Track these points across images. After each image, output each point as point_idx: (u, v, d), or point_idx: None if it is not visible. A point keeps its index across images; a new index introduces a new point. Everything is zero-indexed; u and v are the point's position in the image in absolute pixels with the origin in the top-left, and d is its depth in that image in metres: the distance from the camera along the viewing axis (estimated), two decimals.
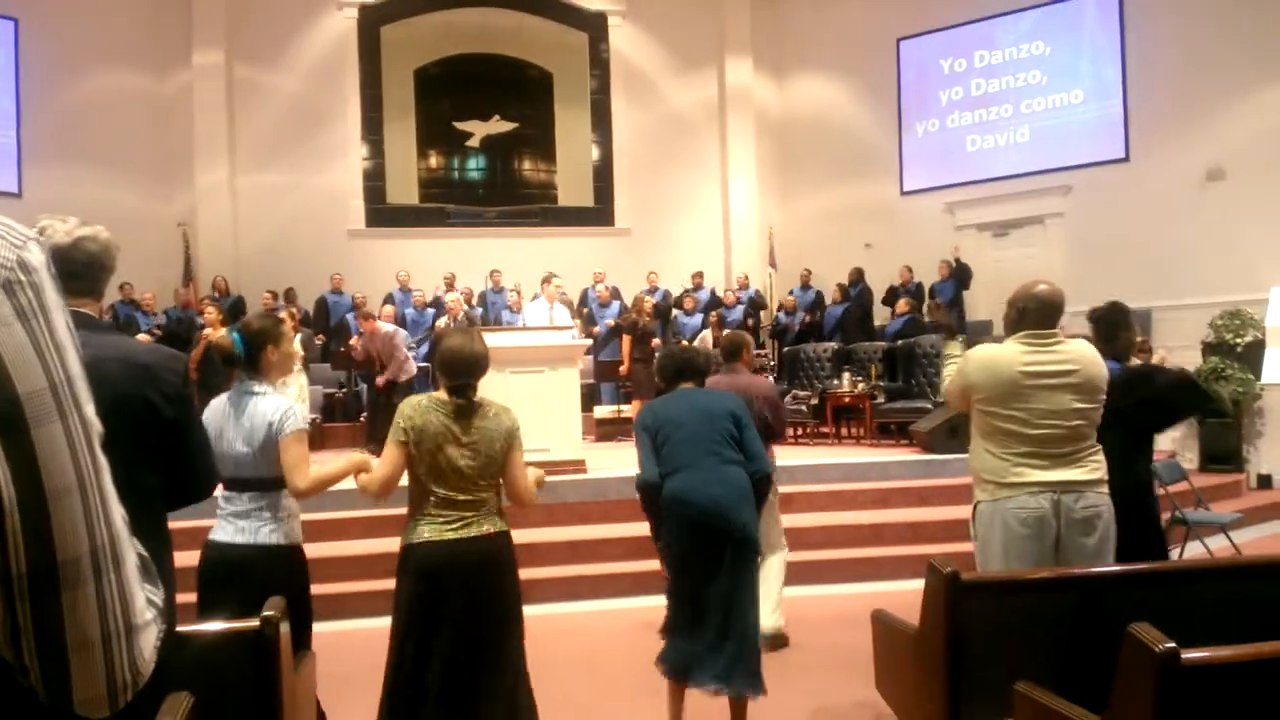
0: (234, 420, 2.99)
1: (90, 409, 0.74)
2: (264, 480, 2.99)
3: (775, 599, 5.06)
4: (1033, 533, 3.21)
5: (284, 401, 3.03)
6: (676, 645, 3.49)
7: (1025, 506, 3.22)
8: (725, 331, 5.71)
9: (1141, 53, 12.32)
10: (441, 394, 3.07)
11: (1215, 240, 11.32)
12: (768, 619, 5.04)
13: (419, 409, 3.03)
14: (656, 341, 10.32)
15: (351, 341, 10.39)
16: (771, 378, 10.74)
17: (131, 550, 0.76)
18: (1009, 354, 3.33)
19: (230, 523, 3.00)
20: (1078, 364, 3.30)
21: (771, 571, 5.10)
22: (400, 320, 11.34)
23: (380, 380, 9.53)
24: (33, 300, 0.70)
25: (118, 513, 0.75)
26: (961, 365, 3.45)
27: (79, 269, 1.99)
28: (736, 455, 3.51)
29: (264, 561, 2.93)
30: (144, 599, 0.77)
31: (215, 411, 3.03)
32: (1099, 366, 3.38)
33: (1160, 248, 11.68)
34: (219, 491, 3.02)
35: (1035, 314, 3.37)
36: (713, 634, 3.40)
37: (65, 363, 0.71)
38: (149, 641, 0.76)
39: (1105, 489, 3.31)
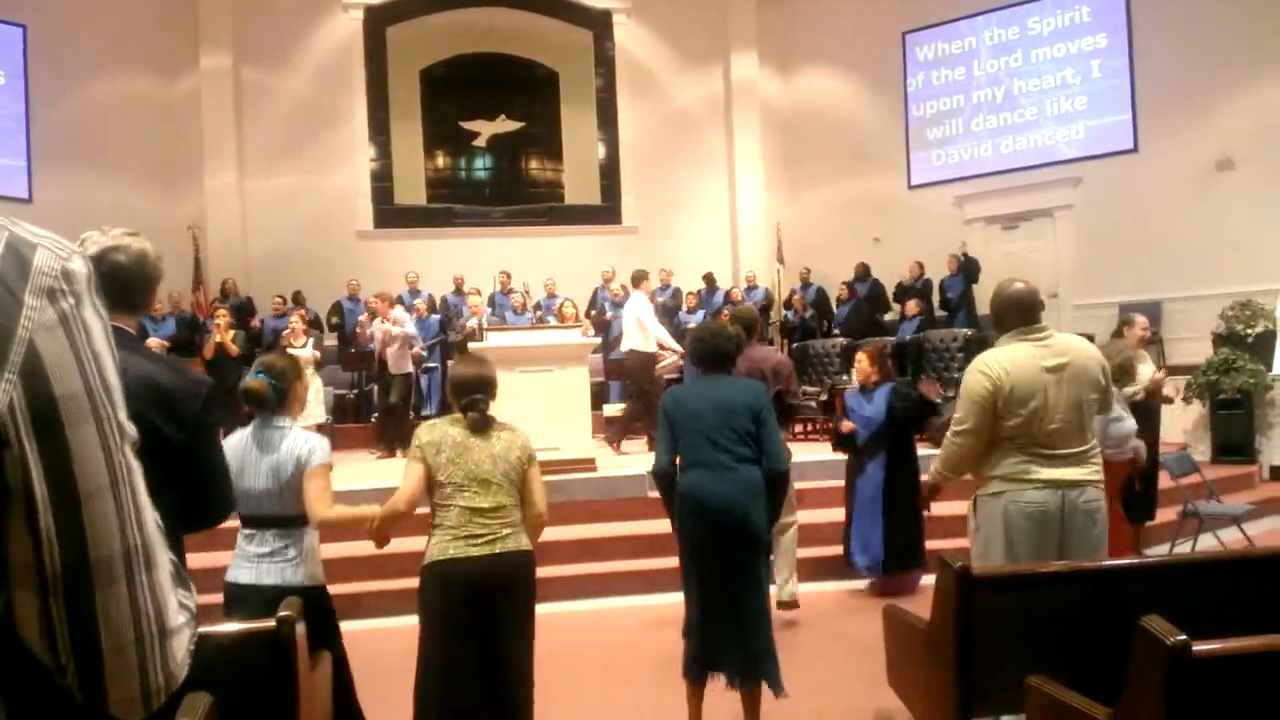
0: (258, 456, 2.98)
1: (124, 414, 0.76)
2: (288, 518, 2.98)
3: (792, 566, 5.22)
4: (1037, 526, 3.25)
5: (312, 436, 3.08)
6: (694, 646, 3.49)
7: (1032, 501, 3.25)
8: (735, 307, 5.85)
9: (1149, 43, 12.26)
10: (455, 415, 3.15)
11: (1225, 231, 11.27)
12: (784, 586, 5.15)
13: (434, 427, 3.15)
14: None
15: (361, 319, 10.41)
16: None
17: (165, 553, 0.78)
18: (1024, 351, 3.34)
19: (253, 564, 2.96)
20: (1068, 355, 3.34)
21: (786, 541, 5.23)
22: None
23: (381, 333, 9.58)
24: (74, 309, 0.73)
25: (150, 516, 0.77)
26: (980, 375, 3.34)
27: (104, 283, 1.98)
28: (751, 453, 3.48)
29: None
30: (177, 603, 0.78)
31: (236, 447, 3.00)
32: (1091, 356, 3.41)
33: (1170, 239, 11.63)
34: (238, 529, 3.03)
35: (1013, 315, 3.41)
36: (729, 629, 3.43)
37: (102, 369, 0.74)
38: (182, 645, 0.78)
39: (1103, 487, 3.37)
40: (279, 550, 2.97)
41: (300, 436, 3.04)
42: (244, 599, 2.90)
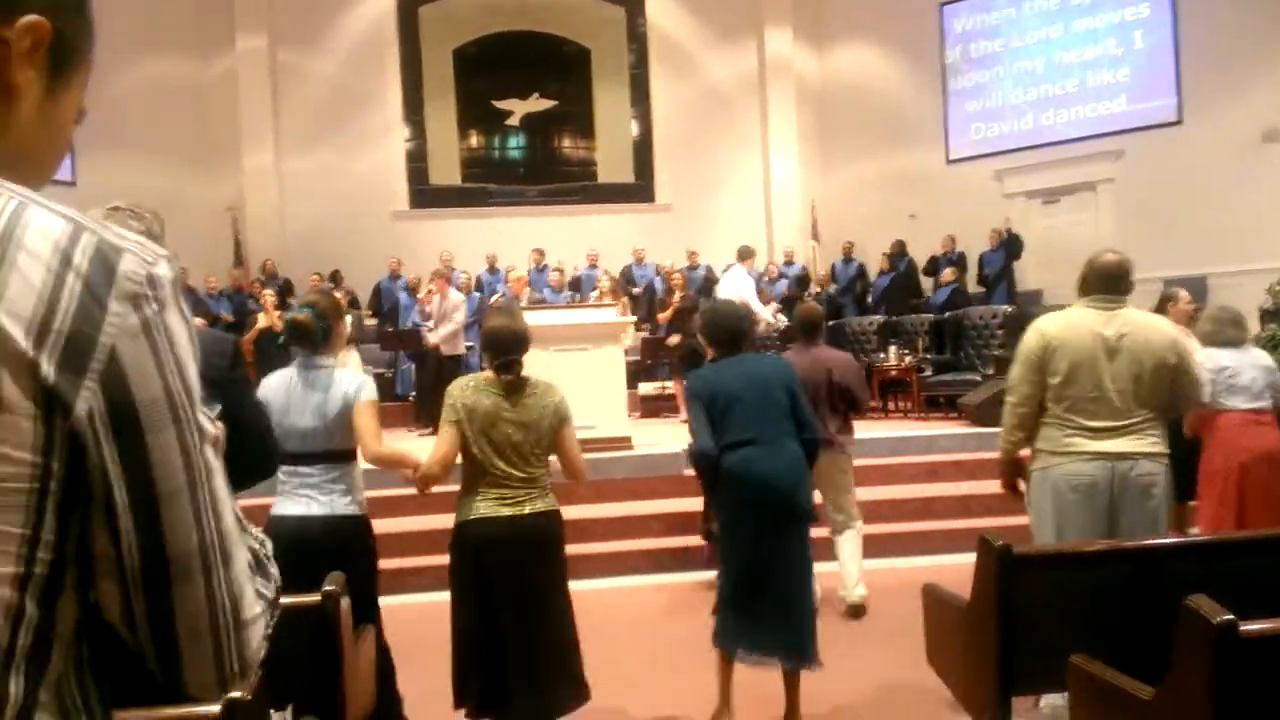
0: (303, 394, 3.05)
1: (203, 416, 0.78)
2: (336, 452, 3.06)
3: (857, 570, 5.16)
4: (1083, 498, 3.24)
5: (358, 375, 3.17)
6: (730, 619, 3.49)
7: (1078, 473, 3.24)
8: (799, 307, 5.72)
9: (1193, 13, 11.96)
10: (488, 374, 3.15)
11: (1272, 203, 11.01)
12: (852, 591, 5.10)
13: (467, 390, 3.13)
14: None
15: (420, 297, 10.50)
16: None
17: (242, 548, 0.81)
18: (1081, 315, 3.36)
19: (301, 496, 3.03)
20: (1131, 328, 3.32)
21: (849, 545, 5.17)
22: None
23: (432, 340, 9.61)
24: (157, 314, 0.74)
25: (229, 511, 0.79)
26: (1031, 333, 3.40)
27: None
28: (792, 428, 3.48)
29: (344, 532, 3.00)
30: (253, 593, 0.81)
31: (278, 387, 3.08)
32: (1160, 332, 3.38)
33: (1215, 212, 11.38)
34: (281, 467, 3.09)
35: (1094, 282, 3.41)
36: (769, 608, 3.42)
37: (183, 374, 0.76)
38: (258, 633, 0.81)
39: (1164, 460, 3.32)
40: (326, 483, 3.04)
41: (346, 375, 3.12)
42: (292, 531, 2.94)
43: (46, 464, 0.69)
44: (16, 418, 0.68)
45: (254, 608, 0.81)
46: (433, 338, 9.59)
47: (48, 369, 0.68)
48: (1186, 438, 4.78)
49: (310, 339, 3.10)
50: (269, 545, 0.88)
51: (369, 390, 3.10)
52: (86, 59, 0.82)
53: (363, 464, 3.21)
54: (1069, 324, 3.35)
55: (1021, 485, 3.63)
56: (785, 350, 5.47)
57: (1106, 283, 3.39)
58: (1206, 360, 4.60)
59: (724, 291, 9.08)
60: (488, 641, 3.06)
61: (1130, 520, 3.24)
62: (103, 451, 0.71)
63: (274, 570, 0.87)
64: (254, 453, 2.25)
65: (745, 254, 9.52)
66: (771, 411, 3.46)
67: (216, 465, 0.79)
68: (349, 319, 9.36)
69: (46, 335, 0.68)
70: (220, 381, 2.15)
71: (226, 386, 2.17)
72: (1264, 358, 4.84)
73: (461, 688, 3.12)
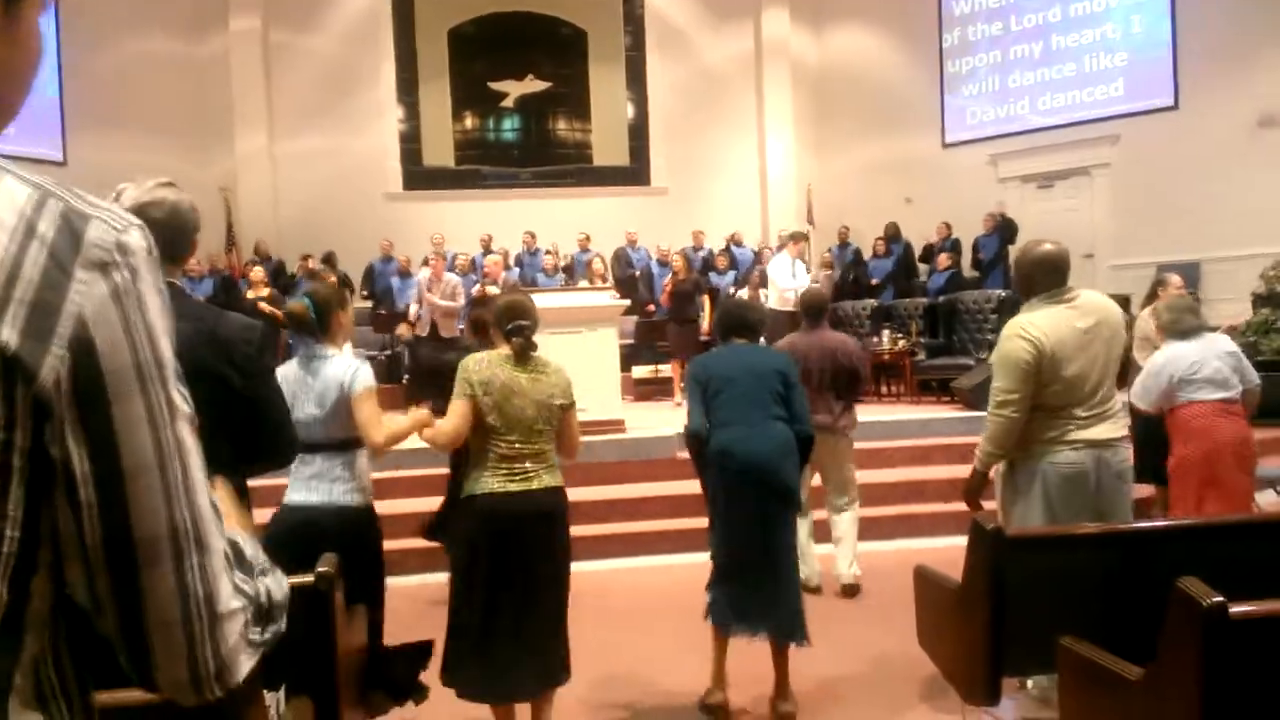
0: (305, 384, 3.05)
1: (177, 393, 0.74)
2: (335, 442, 3.05)
3: (852, 551, 5.24)
4: (1073, 486, 3.25)
5: (353, 362, 3.13)
6: (720, 595, 3.57)
7: (1069, 461, 3.25)
8: (804, 290, 5.81)
9: None
10: (503, 349, 3.16)
11: (1267, 190, 11.01)
12: (846, 571, 5.17)
13: (483, 364, 3.15)
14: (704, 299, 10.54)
15: (421, 279, 10.44)
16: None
17: (219, 537, 0.76)
18: (1061, 314, 3.31)
19: (305, 485, 3.04)
20: (1098, 314, 3.33)
21: (845, 525, 5.27)
22: None
23: (436, 301, 9.55)
24: (128, 282, 0.71)
25: (204, 497, 0.75)
26: (1021, 341, 3.26)
27: None
28: (782, 413, 3.59)
29: (339, 522, 2.97)
30: (231, 586, 0.76)
31: (287, 378, 3.07)
32: (1111, 313, 3.39)
33: (1210, 198, 11.38)
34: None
35: (1044, 278, 3.36)
36: (754, 583, 3.51)
37: (155, 345, 0.73)
38: (234, 629, 0.76)
39: (1129, 444, 3.40)
40: (328, 472, 3.03)
41: (341, 363, 3.09)
42: (298, 519, 2.98)
43: (8, 437, 0.67)
44: None
45: (231, 602, 0.76)
46: (435, 299, 9.52)
47: (8, 337, 0.66)
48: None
49: (307, 328, 3.09)
50: (241, 545, 0.82)
51: (364, 377, 3.07)
52: None
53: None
54: (1055, 327, 3.25)
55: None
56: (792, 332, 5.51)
57: (1059, 275, 3.35)
58: (1169, 361, 4.61)
59: (770, 274, 9.34)
60: (488, 615, 3.06)
61: (1109, 503, 3.28)
62: (65, 420, 0.68)
63: (259, 563, 0.83)
64: (271, 439, 2.26)
65: (795, 238, 9.75)
66: (763, 397, 3.57)
67: (192, 445, 0.75)
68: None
69: (7, 305, 0.66)
70: (249, 367, 2.16)
71: (255, 373, 2.19)
72: (1225, 343, 4.76)
73: (452, 666, 3.12)
